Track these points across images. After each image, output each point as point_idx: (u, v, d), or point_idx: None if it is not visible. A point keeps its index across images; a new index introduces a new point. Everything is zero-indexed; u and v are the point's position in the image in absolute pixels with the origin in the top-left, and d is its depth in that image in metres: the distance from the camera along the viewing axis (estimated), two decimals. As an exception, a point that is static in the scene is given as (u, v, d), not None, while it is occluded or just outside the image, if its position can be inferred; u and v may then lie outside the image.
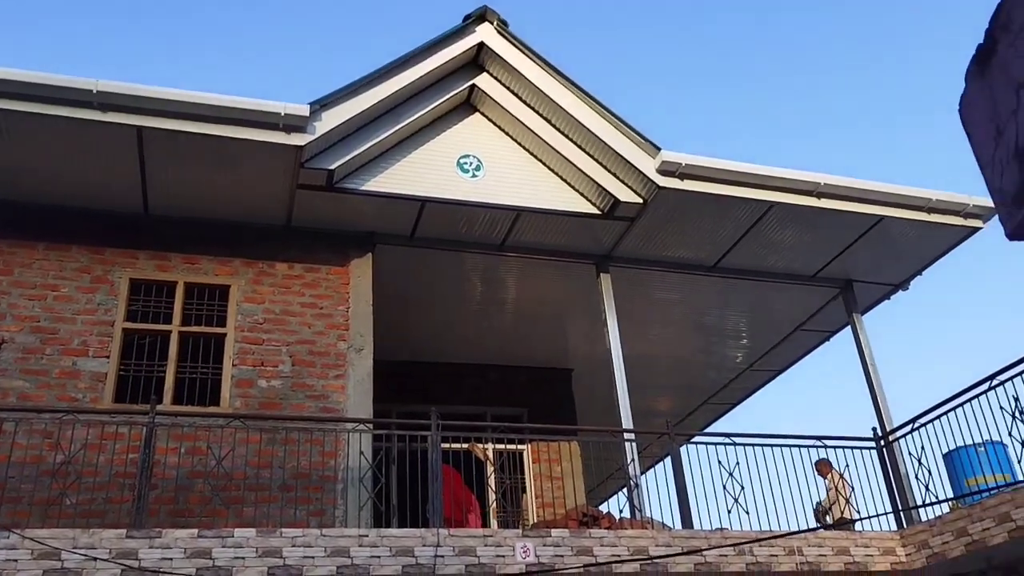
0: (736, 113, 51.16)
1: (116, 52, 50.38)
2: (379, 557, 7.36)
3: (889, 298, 12.27)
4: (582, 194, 10.34)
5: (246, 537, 7.10)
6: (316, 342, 9.45)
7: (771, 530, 8.55)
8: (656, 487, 12.09)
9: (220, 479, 7.90)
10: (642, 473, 10.02)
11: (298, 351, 9.35)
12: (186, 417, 8.43)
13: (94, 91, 8.17)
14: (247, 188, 9.31)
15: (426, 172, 9.84)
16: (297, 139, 8.80)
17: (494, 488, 10.04)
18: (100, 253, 9.20)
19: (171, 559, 6.81)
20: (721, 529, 8.63)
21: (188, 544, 6.93)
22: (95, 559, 6.61)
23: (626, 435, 9.81)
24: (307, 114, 8.80)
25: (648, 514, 9.20)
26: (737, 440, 9.23)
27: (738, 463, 8.96)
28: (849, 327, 11.87)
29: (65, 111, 8.17)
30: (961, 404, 8.73)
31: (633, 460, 9.53)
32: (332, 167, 9.19)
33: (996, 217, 10.72)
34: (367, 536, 7.46)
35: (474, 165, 10.09)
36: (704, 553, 8.21)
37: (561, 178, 10.37)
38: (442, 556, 7.48)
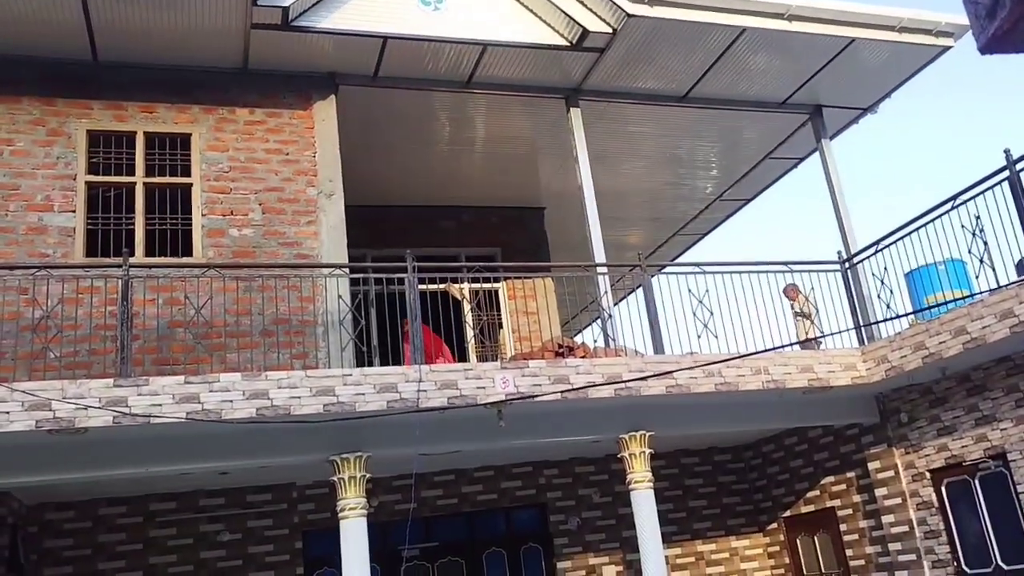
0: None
1: None
2: (364, 395, 7.61)
3: (858, 122, 12.28)
4: (549, 25, 10.01)
5: (232, 381, 7.29)
6: (285, 189, 9.35)
7: (739, 352, 8.90)
8: (629, 317, 12.48)
9: (201, 327, 8.02)
10: (615, 304, 10.29)
11: (267, 199, 9.26)
12: (161, 268, 8.44)
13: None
14: (199, 30, 8.89)
15: (386, 6, 9.44)
16: (247, -26, 8.35)
17: (472, 325, 10.29)
18: (52, 104, 8.88)
19: (161, 405, 7.01)
20: (691, 353, 8.96)
21: (176, 390, 7.11)
22: (87, 407, 6.78)
23: (599, 269, 9.99)
24: (255, -54, 8.31)
25: (621, 343, 9.52)
26: (707, 268, 9.44)
27: (707, 291, 9.21)
28: (817, 153, 11.94)
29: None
30: (924, 225, 8.92)
31: (606, 292, 9.76)
32: (286, 4, 8.77)
33: (967, 34, 10.48)
34: (351, 375, 7.69)
35: (435, -3, 9.67)
36: (675, 376, 8.57)
37: (527, 8, 10.00)
38: (425, 390, 7.75)
